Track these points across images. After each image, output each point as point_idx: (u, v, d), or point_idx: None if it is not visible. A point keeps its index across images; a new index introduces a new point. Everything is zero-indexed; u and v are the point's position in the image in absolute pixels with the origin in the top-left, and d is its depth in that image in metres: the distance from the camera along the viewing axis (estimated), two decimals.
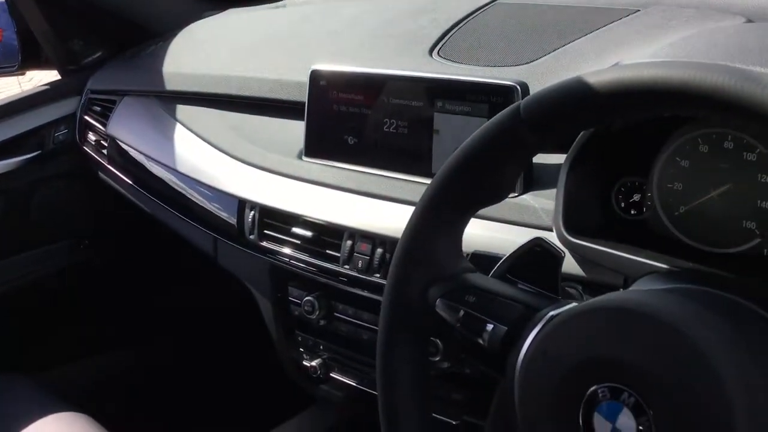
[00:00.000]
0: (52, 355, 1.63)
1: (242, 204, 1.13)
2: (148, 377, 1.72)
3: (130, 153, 1.41)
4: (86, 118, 1.54)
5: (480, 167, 0.63)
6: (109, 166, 1.47)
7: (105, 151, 1.47)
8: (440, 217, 0.66)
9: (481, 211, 0.68)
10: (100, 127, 1.49)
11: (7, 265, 1.58)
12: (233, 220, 1.15)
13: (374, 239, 0.98)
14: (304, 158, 1.08)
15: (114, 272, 1.73)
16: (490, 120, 0.61)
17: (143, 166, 1.37)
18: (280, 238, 1.09)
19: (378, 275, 0.97)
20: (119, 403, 1.44)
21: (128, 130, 1.43)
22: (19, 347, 1.60)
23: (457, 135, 0.94)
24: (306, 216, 1.06)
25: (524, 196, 0.87)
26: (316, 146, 1.08)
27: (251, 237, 1.12)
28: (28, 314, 1.64)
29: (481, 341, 0.62)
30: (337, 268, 1.02)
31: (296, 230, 1.07)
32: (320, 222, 1.04)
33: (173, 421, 1.62)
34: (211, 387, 1.69)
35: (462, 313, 0.63)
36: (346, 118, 1.04)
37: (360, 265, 0.99)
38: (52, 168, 1.56)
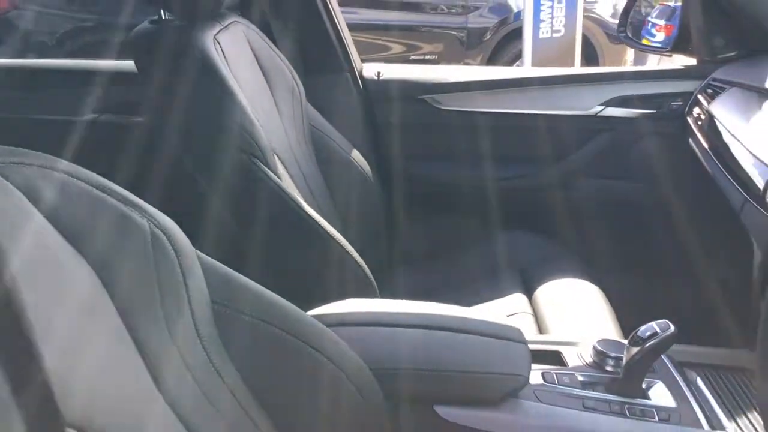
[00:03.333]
0: None
1: None
2: None
3: (719, 129, 1.69)
4: (699, 96, 1.90)
5: None
6: (698, 135, 1.80)
7: (700, 123, 1.82)
8: None
9: None
10: (705, 104, 1.83)
11: None
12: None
13: None
14: None
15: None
16: None
17: (727, 145, 1.58)
18: None
19: None
20: None
21: (725, 112, 1.73)
22: None
23: None
24: None
25: None
26: None
27: None
28: None
29: None
30: None
31: None
32: None
33: None
34: None
35: None
36: None
37: None
38: (657, 126, 2.00)
